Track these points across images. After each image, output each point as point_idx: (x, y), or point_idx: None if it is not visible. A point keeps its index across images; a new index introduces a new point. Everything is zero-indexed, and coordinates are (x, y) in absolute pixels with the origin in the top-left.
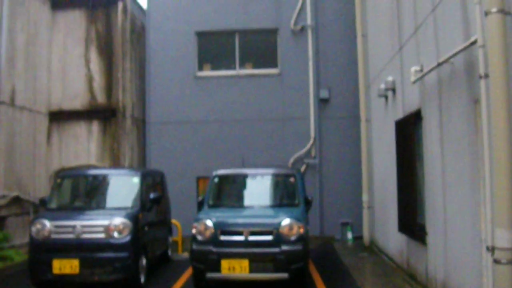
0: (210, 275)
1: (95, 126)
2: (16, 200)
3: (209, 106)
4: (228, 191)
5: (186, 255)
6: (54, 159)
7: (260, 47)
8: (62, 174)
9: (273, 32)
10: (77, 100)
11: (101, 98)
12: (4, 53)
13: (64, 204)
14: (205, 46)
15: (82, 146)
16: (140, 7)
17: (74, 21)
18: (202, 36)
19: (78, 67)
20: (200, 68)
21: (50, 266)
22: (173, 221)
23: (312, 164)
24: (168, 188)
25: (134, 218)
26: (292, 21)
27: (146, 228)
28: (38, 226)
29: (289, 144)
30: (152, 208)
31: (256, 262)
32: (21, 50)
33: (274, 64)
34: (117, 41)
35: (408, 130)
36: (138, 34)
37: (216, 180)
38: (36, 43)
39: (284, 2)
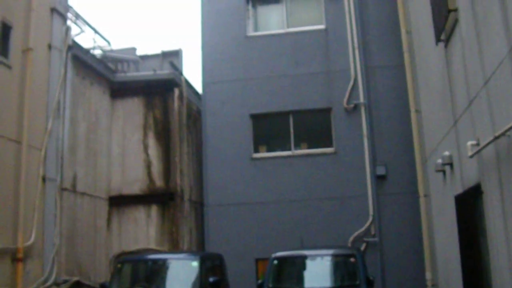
0: None
1: (154, 210)
2: (77, 285)
3: (265, 187)
4: (288, 273)
5: None
6: (114, 243)
7: (314, 127)
8: (122, 259)
9: (327, 111)
10: (136, 185)
11: (159, 182)
12: (66, 142)
13: None
14: (260, 128)
15: (141, 230)
16: (195, 92)
17: (133, 108)
18: (256, 118)
19: (137, 152)
20: (256, 149)
21: None
22: None
23: (372, 242)
24: (227, 271)
25: None
26: (345, 100)
27: None
28: None
29: (347, 222)
30: None
31: None
32: (82, 138)
33: (329, 143)
34: (174, 126)
35: (469, 205)
36: (194, 118)
37: (275, 262)
38: (97, 130)
39: (336, 81)
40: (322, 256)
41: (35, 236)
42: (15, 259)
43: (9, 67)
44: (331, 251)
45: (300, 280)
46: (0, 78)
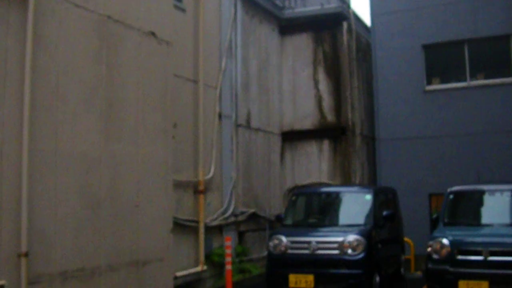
0: None
1: (326, 144)
2: (253, 217)
3: (439, 121)
4: (465, 209)
5: (419, 274)
6: (287, 177)
7: (491, 56)
8: (296, 192)
9: (505, 38)
10: (307, 120)
11: (330, 117)
12: (239, 80)
13: (298, 221)
14: (433, 59)
15: (313, 164)
16: (364, 25)
17: (301, 44)
18: (429, 49)
19: (307, 88)
20: (429, 82)
21: (286, 280)
22: (406, 239)
23: None
24: (400, 205)
25: (367, 235)
26: None
27: (379, 246)
28: (276, 241)
29: None
30: (385, 226)
31: (498, 284)
32: (254, 76)
33: (508, 73)
34: (343, 61)
35: None
36: (364, 52)
37: (451, 197)
38: (268, 68)
39: None
40: (501, 191)
41: (214, 170)
42: (197, 191)
43: (183, 10)
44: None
45: (477, 215)
46: (176, 21)
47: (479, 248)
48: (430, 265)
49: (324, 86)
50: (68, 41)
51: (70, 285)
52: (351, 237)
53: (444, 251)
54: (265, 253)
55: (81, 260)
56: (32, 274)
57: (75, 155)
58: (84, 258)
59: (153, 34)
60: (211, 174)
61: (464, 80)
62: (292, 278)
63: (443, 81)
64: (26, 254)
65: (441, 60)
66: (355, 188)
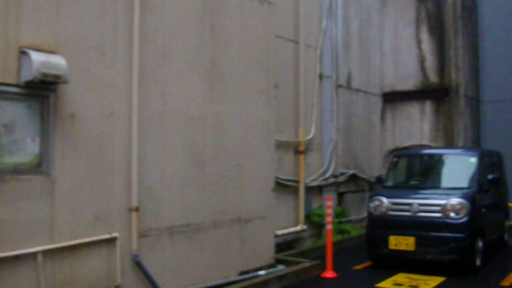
0: None
1: (428, 106)
2: (353, 178)
3: None
4: None
5: None
6: (387, 139)
7: None
8: (398, 154)
9: None
10: (409, 81)
11: (433, 77)
12: (340, 40)
13: (400, 183)
14: None
15: (415, 126)
16: None
17: (404, 2)
18: None
19: (409, 48)
20: None
21: (386, 242)
22: (510, 204)
23: None
24: (505, 169)
25: (471, 198)
26: None
27: (482, 210)
28: (376, 202)
29: None
30: (489, 190)
31: None
32: (354, 36)
33: None
34: (447, 19)
35: None
36: (469, 9)
37: None
38: (368, 27)
39: None
40: None
41: (314, 131)
42: (297, 152)
43: None
44: None
45: None
46: None
47: None
48: None
49: (427, 45)
50: (173, 3)
51: (177, 239)
52: (454, 200)
53: None
54: (364, 214)
55: (187, 216)
56: (142, 227)
57: (181, 114)
58: (190, 214)
59: None
60: (311, 135)
61: None
62: (392, 239)
63: None
64: (137, 209)
65: None
66: (459, 151)
